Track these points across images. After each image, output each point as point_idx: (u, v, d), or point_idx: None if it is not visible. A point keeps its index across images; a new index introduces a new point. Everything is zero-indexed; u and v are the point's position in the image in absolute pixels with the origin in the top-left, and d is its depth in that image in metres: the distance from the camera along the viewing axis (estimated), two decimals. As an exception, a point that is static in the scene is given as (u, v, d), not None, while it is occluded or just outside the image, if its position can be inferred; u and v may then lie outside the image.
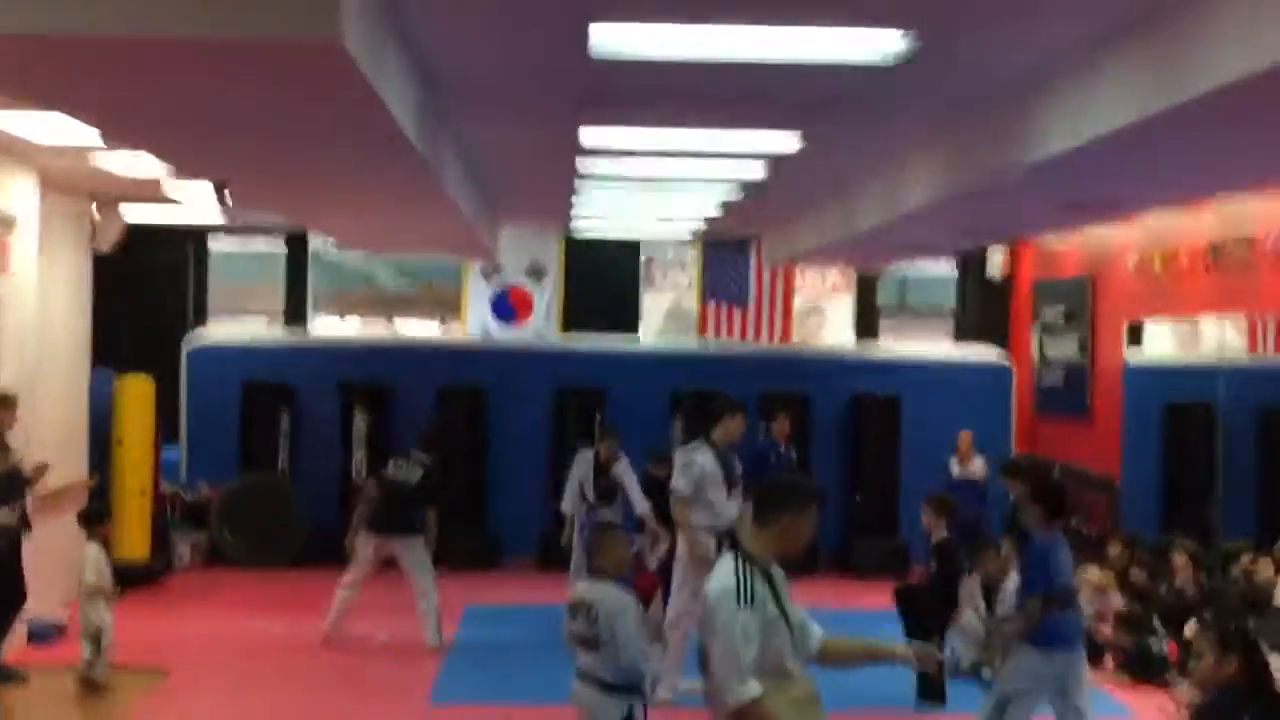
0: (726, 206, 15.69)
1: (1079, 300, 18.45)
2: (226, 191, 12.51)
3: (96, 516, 12.02)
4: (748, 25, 7.64)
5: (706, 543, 11.23)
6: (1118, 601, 13.51)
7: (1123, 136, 8.01)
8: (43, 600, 12.67)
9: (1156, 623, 12.75)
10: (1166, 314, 16.89)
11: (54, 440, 13.63)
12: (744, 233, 20.05)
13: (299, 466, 17.85)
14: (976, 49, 8.28)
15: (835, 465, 18.08)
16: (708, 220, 17.43)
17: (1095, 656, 12.90)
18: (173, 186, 13.46)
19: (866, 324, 21.66)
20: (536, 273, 20.81)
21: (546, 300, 20.85)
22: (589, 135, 11.02)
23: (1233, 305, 15.07)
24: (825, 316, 22.53)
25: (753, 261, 20.71)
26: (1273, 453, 17.49)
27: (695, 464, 11.42)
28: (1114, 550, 14.63)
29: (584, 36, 7.78)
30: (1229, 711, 5.78)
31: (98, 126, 9.27)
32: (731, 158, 12.20)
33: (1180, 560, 13.35)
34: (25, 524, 11.84)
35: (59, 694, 11.40)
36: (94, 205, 15.22)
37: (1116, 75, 7.86)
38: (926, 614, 11.77)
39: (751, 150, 11.71)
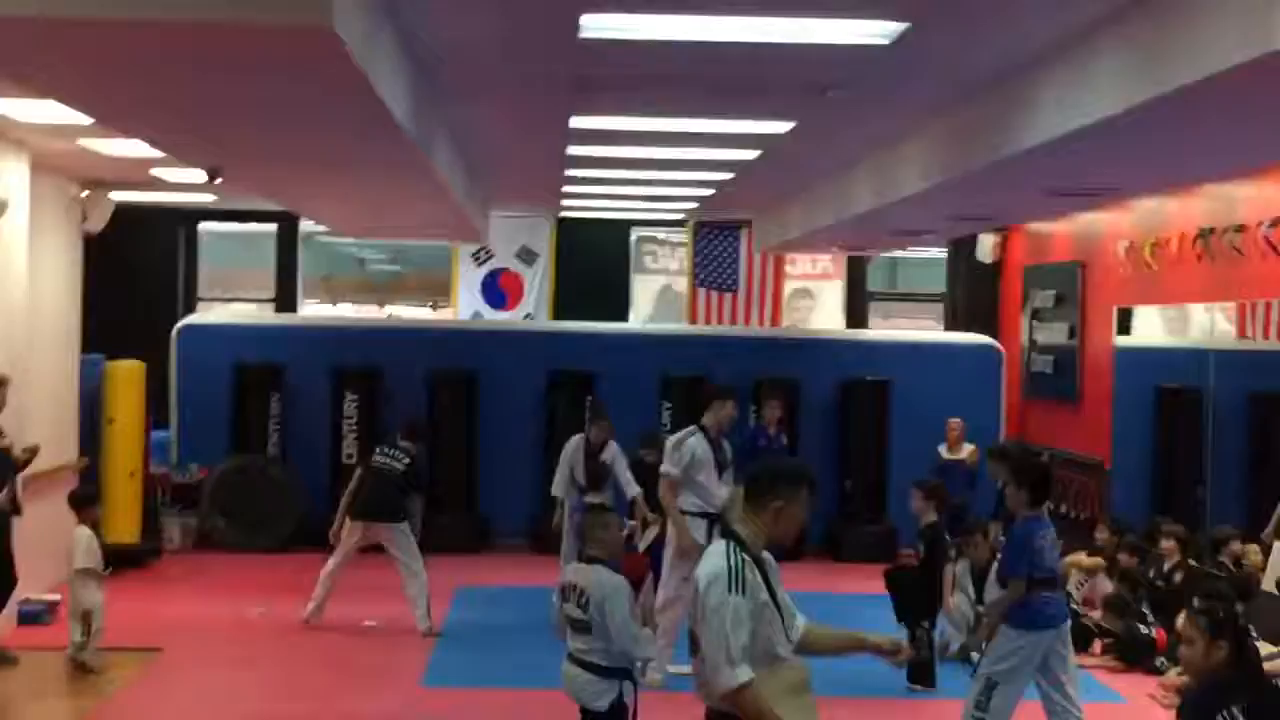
0: (718, 190, 15.70)
1: (1069, 285, 18.46)
2: (218, 175, 12.49)
3: (86, 499, 12.02)
4: (739, 16, 7.65)
5: (694, 527, 11.26)
6: (1106, 586, 13.55)
7: (1113, 123, 8.02)
8: (33, 583, 12.67)
9: (1145, 608, 12.78)
10: (1156, 300, 16.92)
11: (44, 423, 13.62)
12: (735, 216, 20.05)
13: (289, 449, 17.84)
14: (968, 36, 8.29)
15: (825, 449, 18.09)
16: (699, 203, 17.43)
17: (1084, 641, 12.95)
18: (163, 170, 13.44)
19: (857, 308, 21.67)
20: (527, 256, 20.81)
21: (537, 284, 20.84)
22: (580, 119, 11.02)
23: (1222, 292, 15.08)
24: (816, 300, 22.54)
25: (743, 245, 20.71)
26: (1262, 438, 17.54)
27: (686, 448, 11.44)
28: (1102, 535, 14.67)
29: (575, 21, 7.78)
30: (1219, 698, 5.79)
31: (87, 111, 9.26)
32: (723, 142, 12.20)
33: (1168, 545, 13.39)
34: (15, 507, 11.83)
35: (49, 676, 11.40)
36: (84, 188, 15.20)
37: (1107, 63, 7.88)
38: (915, 597, 11.80)
39: (743, 134, 11.71)
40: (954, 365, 18.90)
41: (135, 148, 11.40)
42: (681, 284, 21.44)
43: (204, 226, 20.49)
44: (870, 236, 17.71)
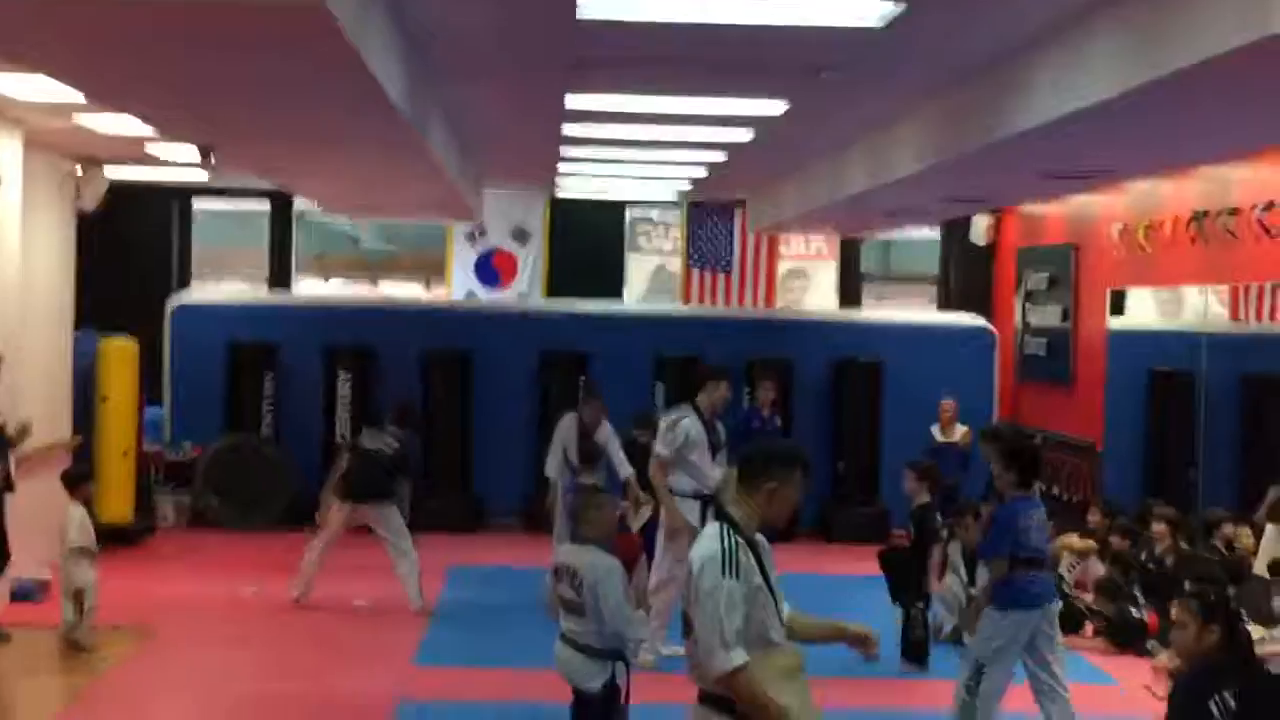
0: (712, 171, 15.68)
1: (1062, 268, 18.48)
2: (211, 154, 12.47)
3: (79, 477, 12.01)
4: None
5: (687, 508, 11.27)
6: (1098, 569, 13.57)
7: (1108, 107, 8.02)
8: (26, 560, 12.67)
9: (1136, 591, 12.81)
10: (1150, 282, 16.93)
11: (38, 400, 13.63)
12: (729, 197, 20.05)
13: (283, 427, 17.84)
14: (963, 18, 8.28)
15: (817, 430, 18.08)
16: (693, 184, 17.42)
17: (1075, 623, 12.97)
18: (157, 147, 13.42)
19: (850, 289, 21.68)
20: (521, 235, 20.80)
21: (531, 263, 20.83)
22: (575, 99, 11.01)
23: (1216, 274, 15.10)
24: (809, 281, 22.56)
25: (737, 226, 20.70)
26: (1254, 420, 17.57)
27: (679, 428, 11.45)
28: (1094, 517, 14.69)
29: (573, 1, 7.76)
30: (1210, 682, 5.81)
31: (79, 87, 9.24)
32: (717, 123, 12.19)
33: (1160, 528, 13.39)
34: (8, 484, 11.83)
35: (41, 653, 11.40)
36: (78, 165, 15.17)
37: (1103, 45, 7.87)
38: (909, 578, 11.83)
39: (738, 115, 11.70)
40: (947, 347, 18.90)
41: (129, 124, 11.38)
42: (675, 264, 21.44)
43: (198, 204, 20.47)
44: (864, 218, 17.71)
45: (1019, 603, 8.83)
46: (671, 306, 20.61)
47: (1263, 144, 10.91)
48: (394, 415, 13.82)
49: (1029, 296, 19.49)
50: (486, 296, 20.52)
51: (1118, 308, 18.15)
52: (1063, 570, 13.66)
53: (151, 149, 13.57)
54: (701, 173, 16.12)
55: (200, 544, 16.36)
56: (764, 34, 8.51)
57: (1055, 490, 17.34)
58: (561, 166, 16.23)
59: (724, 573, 5.23)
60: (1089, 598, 13.21)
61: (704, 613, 5.21)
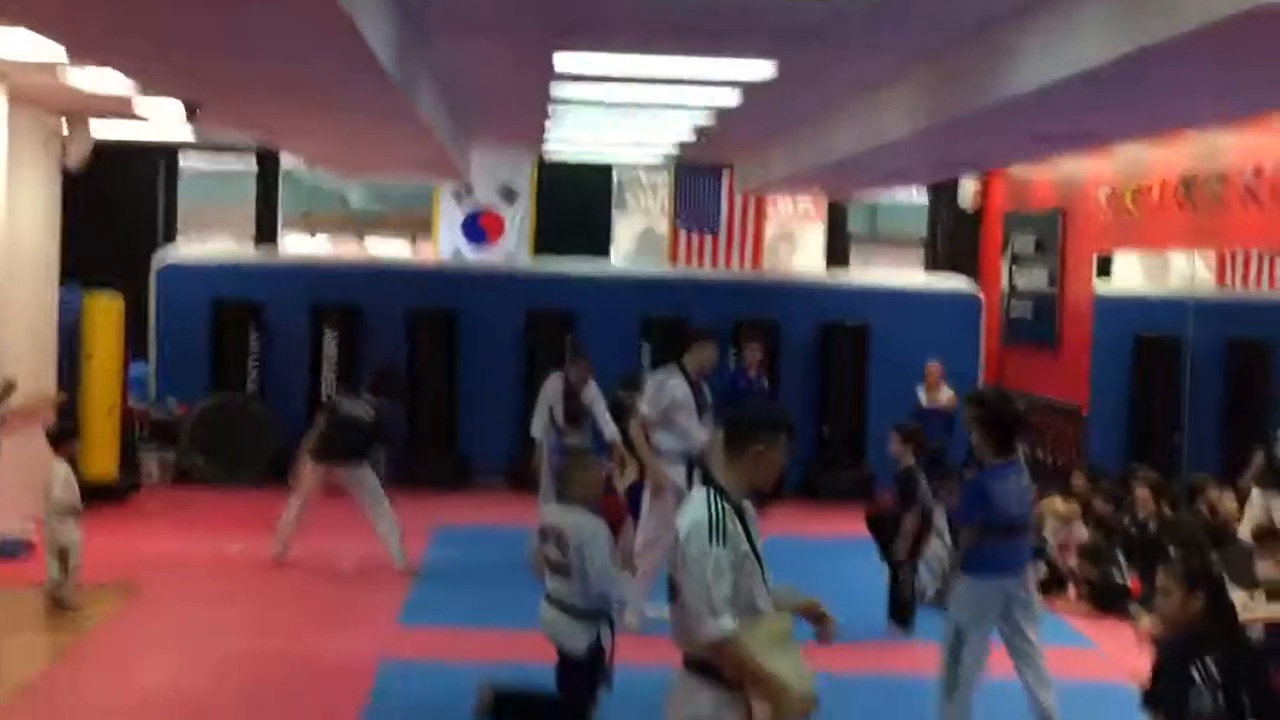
0: (701, 133, 15.63)
1: (1050, 232, 18.47)
2: (197, 110, 12.41)
3: (64, 435, 11.99)
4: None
5: (673, 469, 11.29)
6: (1081, 532, 13.60)
7: (1098, 73, 8.00)
8: (10, 517, 12.65)
9: (1119, 554, 12.84)
10: (1137, 247, 16.94)
11: (23, 357, 13.58)
12: (717, 159, 19.99)
13: (268, 386, 17.83)
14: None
15: (804, 393, 18.12)
16: (681, 146, 17.37)
17: (1058, 587, 13.02)
18: (142, 103, 13.34)
19: (837, 252, 21.65)
20: (508, 195, 20.74)
21: (518, 223, 20.78)
22: (564, 59, 10.96)
23: (1203, 240, 15.11)
24: (796, 243, 22.53)
25: (725, 187, 20.65)
26: (1239, 385, 17.62)
27: (666, 389, 11.46)
28: (1078, 481, 14.71)
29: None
30: (1194, 648, 5.84)
31: (60, 40, 9.17)
32: (706, 84, 12.14)
33: (1143, 492, 13.42)
34: (-7, 441, 11.82)
35: (26, 611, 11.40)
36: (63, 121, 15.09)
37: (1093, 11, 7.85)
38: (894, 541, 11.86)
39: (727, 78, 11.66)
40: (933, 310, 18.92)
41: (115, 81, 11.31)
42: (663, 225, 21.40)
43: (184, 162, 20.38)
44: (852, 180, 17.68)
45: (992, 570, 8.82)
46: (659, 268, 20.59)
47: (1253, 110, 10.89)
48: (372, 382, 13.81)
49: (1015, 260, 19.49)
50: (473, 255, 20.47)
51: (1104, 272, 18.16)
52: (1046, 534, 13.69)
53: (138, 107, 13.48)
54: (690, 136, 16.07)
55: (185, 501, 16.37)
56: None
57: (1040, 454, 17.36)
58: (549, 127, 16.16)
59: (711, 539, 5.22)
60: (1072, 561, 13.25)
61: (692, 580, 5.20)
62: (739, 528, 5.30)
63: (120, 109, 13.82)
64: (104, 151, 16.43)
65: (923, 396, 16.86)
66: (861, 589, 12.32)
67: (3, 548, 12.78)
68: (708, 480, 5.46)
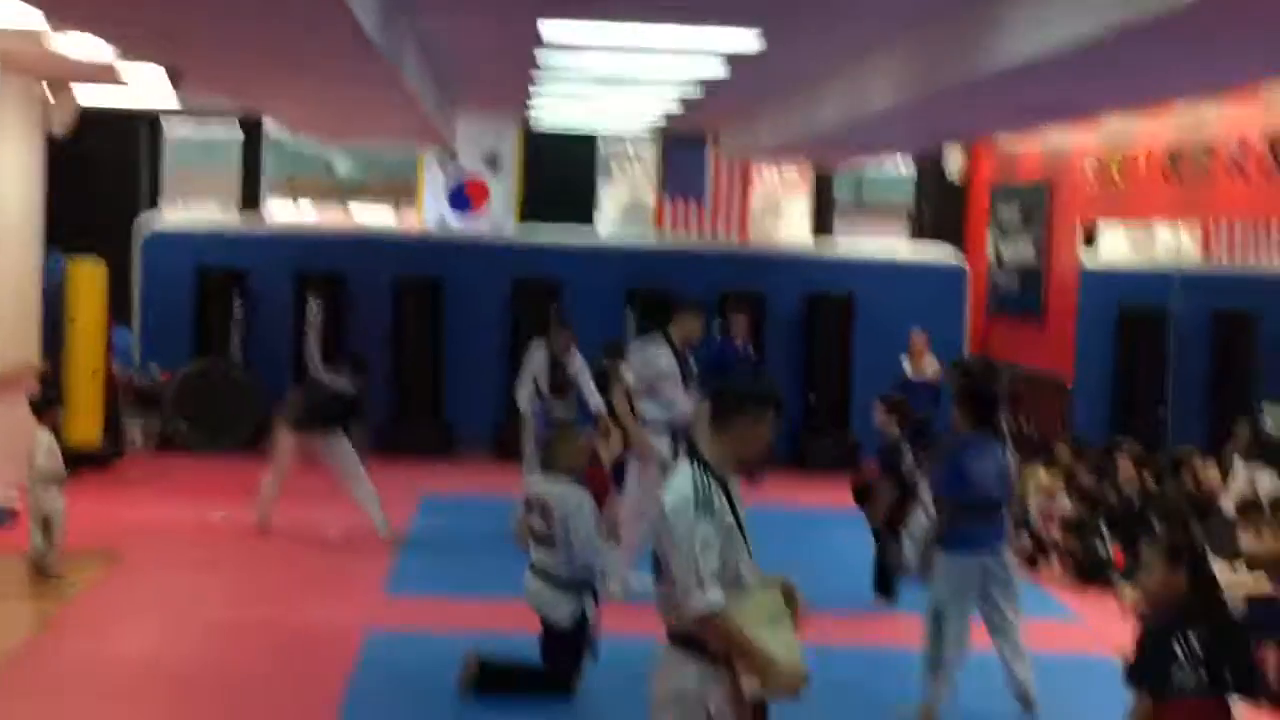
0: (687, 104, 15.60)
1: (1036, 203, 18.48)
2: (180, 78, 12.35)
3: (48, 403, 11.95)
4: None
5: (657, 439, 11.30)
6: (1065, 504, 13.62)
7: (1085, 45, 7.98)
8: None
9: (1102, 526, 12.87)
10: (1123, 219, 16.95)
11: (6, 322, 13.54)
12: (703, 128, 19.96)
13: (252, 352, 17.79)
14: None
15: (790, 363, 18.13)
16: (667, 116, 17.33)
17: (1042, 558, 13.05)
18: (126, 69, 13.28)
19: (823, 222, 21.64)
20: (493, 162, 20.69)
21: (503, 191, 20.74)
22: (550, 28, 10.91)
23: (1189, 212, 15.12)
24: (782, 213, 22.53)
25: (710, 157, 20.62)
26: (1223, 357, 17.65)
27: (651, 360, 11.46)
28: (1061, 453, 14.72)
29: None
30: (1176, 623, 5.85)
31: (41, 8, 9.11)
32: (692, 54, 12.10)
33: (1125, 465, 13.43)
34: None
35: (9, 579, 11.38)
36: (47, 87, 15.02)
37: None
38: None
39: (712, 48, 11.62)
40: (919, 280, 18.91)
41: (100, 49, 11.26)
42: (649, 195, 21.37)
43: (169, 129, 20.31)
44: (838, 150, 17.66)
45: (968, 547, 8.85)
46: (645, 238, 20.57)
47: (1239, 82, 10.88)
48: (350, 362, 13.80)
49: (1001, 231, 19.49)
50: (458, 224, 20.43)
51: (1090, 244, 18.17)
52: (1030, 505, 13.72)
53: (122, 73, 13.42)
54: (675, 108, 16.03)
55: (168, 468, 16.35)
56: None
57: (1024, 425, 17.39)
58: (535, 95, 16.11)
59: (697, 513, 5.20)
60: (1055, 533, 13.27)
61: (679, 554, 5.19)
62: (724, 501, 5.29)
63: (104, 76, 13.76)
64: (88, 118, 16.37)
65: (908, 367, 16.87)
66: (847, 559, 12.36)
67: (-14, 515, 12.77)
68: (692, 453, 5.44)
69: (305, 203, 24.18)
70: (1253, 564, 10.48)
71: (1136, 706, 5.85)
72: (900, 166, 21.63)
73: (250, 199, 20.47)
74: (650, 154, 21.09)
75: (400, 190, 22.21)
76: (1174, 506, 11.80)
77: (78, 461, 13.19)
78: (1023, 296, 18.92)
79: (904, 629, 10.21)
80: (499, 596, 10.47)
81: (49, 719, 8.55)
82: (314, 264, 18.02)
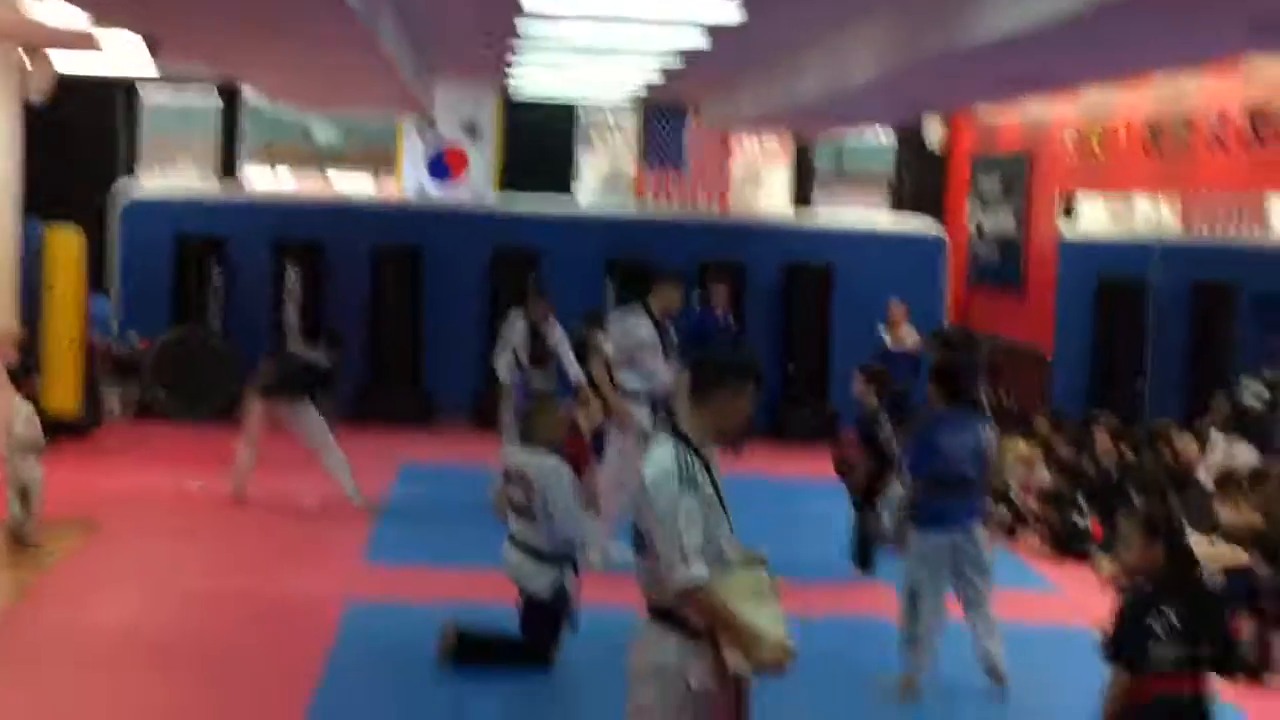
0: (667, 74, 15.56)
1: (1016, 174, 18.48)
2: (158, 45, 12.28)
3: (26, 371, 11.92)
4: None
5: (637, 409, 11.30)
6: (1043, 476, 13.66)
7: (1065, 18, 7.98)
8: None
9: (1081, 498, 12.91)
10: (1103, 190, 16.96)
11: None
12: (684, 98, 19.92)
13: (230, 321, 17.74)
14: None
15: (769, 333, 18.12)
16: (648, 86, 17.29)
17: (1020, 530, 13.09)
18: (103, 36, 13.19)
19: (803, 191, 21.63)
20: (472, 131, 20.63)
21: (483, 160, 20.69)
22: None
23: (1169, 184, 15.13)
24: (762, 183, 22.50)
25: (690, 127, 20.59)
26: (1202, 329, 17.67)
27: (630, 330, 11.45)
28: (1040, 425, 14.76)
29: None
30: (1153, 598, 5.87)
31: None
32: (672, 25, 12.07)
33: (1102, 437, 13.46)
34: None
35: (-13, 547, 11.37)
36: (23, 54, 14.92)
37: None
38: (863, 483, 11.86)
39: (693, 19, 11.59)
40: (898, 251, 18.91)
41: (74, 13, 11.18)
42: (629, 164, 21.33)
43: (146, 95, 20.21)
44: (818, 121, 17.64)
45: (939, 524, 8.87)
46: (625, 207, 20.53)
47: (1219, 55, 10.89)
48: (327, 340, 13.80)
49: (982, 202, 19.49)
50: (437, 192, 20.37)
51: (1070, 215, 18.18)
52: (1009, 477, 13.75)
53: (100, 40, 13.34)
54: (656, 78, 15.99)
55: (146, 436, 16.32)
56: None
57: (1003, 397, 17.42)
58: (515, 65, 16.06)
59: (680, 487, 5.18)
60: (1033, 504, 13.31)
61: (662, 529, 5.17)
62: (705, 476, 5.28)
63: (81, 42, 13.67)
64: (66, 85, 16.27)
65: (887, 338, 16.86)
66: (825, 528, 12.37)
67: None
68: (672, 427, 5.43)
69: (283, 170, 24.08)
70: (1229, 536, 10.51)
71: (1114, 680, 5.87)
72: (880, 136, 21.60)
73: (228, 167, 20.40)
74: (630, 124, 21.03)
75: (379, 158, 22.14)
76: (1151, 479, 11.83)
77: (55, 430, 13.14)
78: (1002, 267, 18.94)
79: (883, 599, 10.22)
80: (478, 566, 10.46)
81: (27, 688, 8.52)
82: (293, 232, 17.96)
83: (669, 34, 12.63)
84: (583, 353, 13.00)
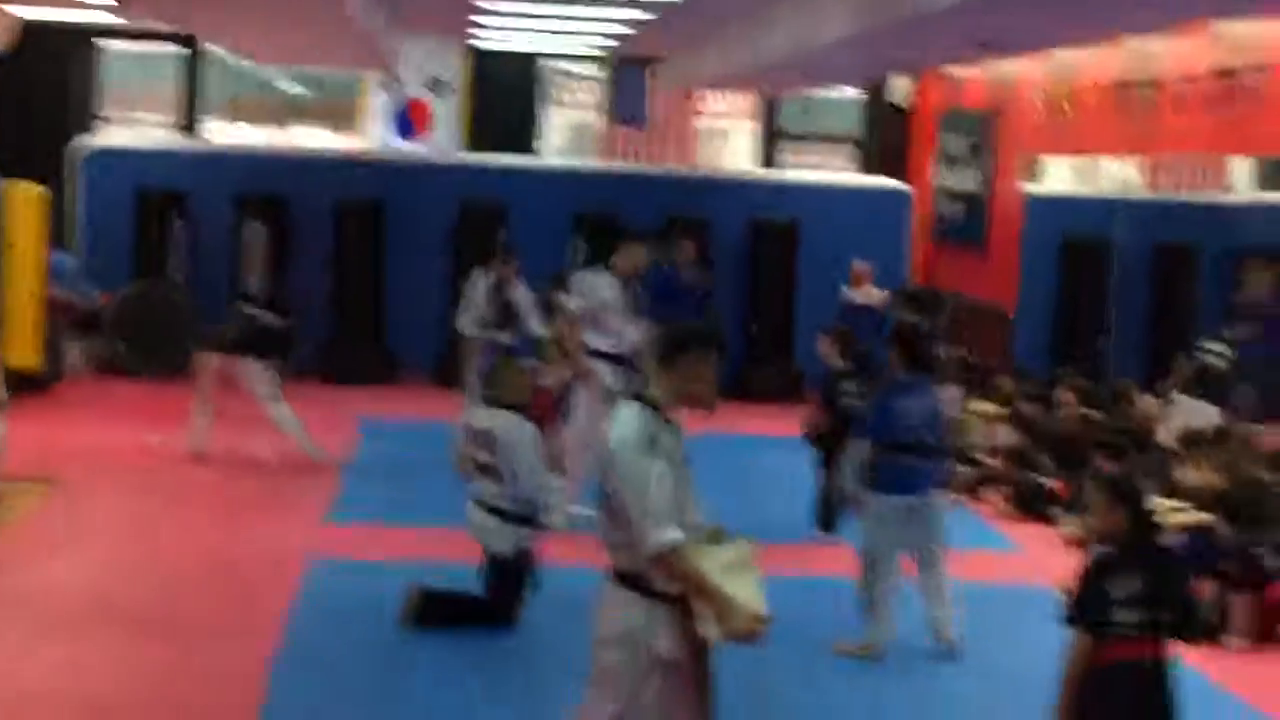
0: (634, 28, 15.48)
1: (982, 133, 18.47)
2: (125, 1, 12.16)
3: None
4: None
5: (602, 370, 11.28)
6: (1007, 435, 13.70)
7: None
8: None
9: (1043, 457, 12.95)
10: (1069, 150, 16.97)
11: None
12: (650, 53, 19.84)
13: (192, 276, 17.62)
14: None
15: (735, 290, 18.07)
16: (615, 40, 17.21)
17: (982, 489, 13.11)
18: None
19: (769, 148, 21.58)
20: (437, 86, 20.50)
21: (448, 116, 20.57)
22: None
23: (1135, 145, 15.15)
24: (728, 139, 22.46)
25: (656, 82, 20.51)
26: (1164, 289, 17.78)
27: (593, 287, 11.42)
28: (1004, 384, 14.80)
29: None
30: (1115, 564, 5.89)
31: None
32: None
33: (1066, 397, 13.51)
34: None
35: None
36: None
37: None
38: (827, 444, 11.83)
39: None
40: (863, 208, 18.86)
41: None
42: (595, 119, 21.25)
43: (107, 46, 20.02)
44: (785, 79, 17.59)
45: (893, 488, 8.91)
46: (590, 162, 20.45)
47: (1188, 17, 10.88)
48: (281, 304, 13.77)
49: (948, 160, 19.48)
50: (402, 146, 20.25)
51: (1035, 174, 18.20)
52: (972, 436, 13.79)
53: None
54: (623, 30, 15.91)
55: (108, 391, 16.23)
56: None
57: (967, 355, 17.45)
58: (480, 18, 15.96)
59: (646, 453, 5.19)
60: (996, 463, 13.35)
61: (632, 494, 5.17)
62: (670, 441, 5.28)
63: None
64: (25, 35, 16.11)
65: (852, 295, 16.83)
66: (788, 487, 12.36)
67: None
68: (637, 393, 5.42)
69: (246, 124, 23.91)
70: (1191, 497, 10.57)
71: (1075, 644, 5.90)
72: (847, 93, 21.57)
73: (190, 118, 20.23)
74: (597, 78, 20.94)
75: (343, 112, 22.01)
76: (1113, 439, 11.86)
77: (17, 385, 13.04)
78: (967, 225, 18.94)
79: (845, 560, 10.23)
80: (440, 524, 10.44)
81: (-14, 647, 8.49)
82: (255, 186, 17.80)
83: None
84: (548, 313, 12.96)
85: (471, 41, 19.01)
